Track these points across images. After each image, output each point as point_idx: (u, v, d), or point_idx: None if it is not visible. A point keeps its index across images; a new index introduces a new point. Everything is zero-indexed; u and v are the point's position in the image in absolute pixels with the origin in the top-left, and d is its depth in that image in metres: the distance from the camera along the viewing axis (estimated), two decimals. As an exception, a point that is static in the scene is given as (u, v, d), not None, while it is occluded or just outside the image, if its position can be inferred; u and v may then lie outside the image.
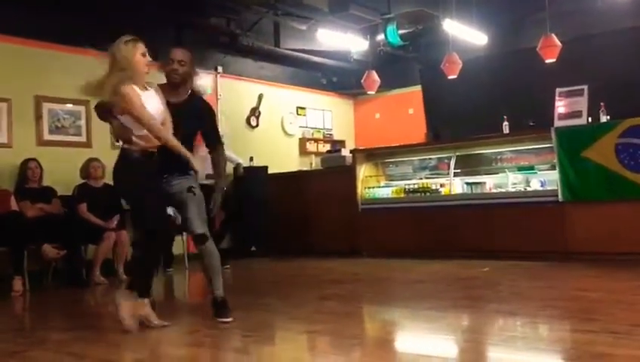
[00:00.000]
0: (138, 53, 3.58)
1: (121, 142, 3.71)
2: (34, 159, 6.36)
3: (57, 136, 6.99)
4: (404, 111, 10.55)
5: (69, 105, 7.10)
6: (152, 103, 3.60)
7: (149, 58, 3.64)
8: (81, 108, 7.18)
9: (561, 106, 6.41)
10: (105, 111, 3.72)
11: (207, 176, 7.49)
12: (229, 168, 8.02)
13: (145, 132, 3.56)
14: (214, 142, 4.07)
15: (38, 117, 6.85)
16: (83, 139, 7.20)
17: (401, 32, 8.85)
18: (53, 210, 6.24)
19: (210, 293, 3.83)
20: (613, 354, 2.64)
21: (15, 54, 6.72)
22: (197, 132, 4.02)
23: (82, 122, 7.20)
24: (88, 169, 6.62)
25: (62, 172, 6.69)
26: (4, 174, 6.35)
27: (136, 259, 3.80)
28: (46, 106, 6.92)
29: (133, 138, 3.57)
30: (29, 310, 5.21)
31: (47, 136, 6.90)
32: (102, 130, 7.29)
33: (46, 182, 6.43)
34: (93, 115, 7.24)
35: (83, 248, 6.42)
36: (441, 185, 7.23)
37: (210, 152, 4.10)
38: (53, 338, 3.63)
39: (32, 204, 6.11)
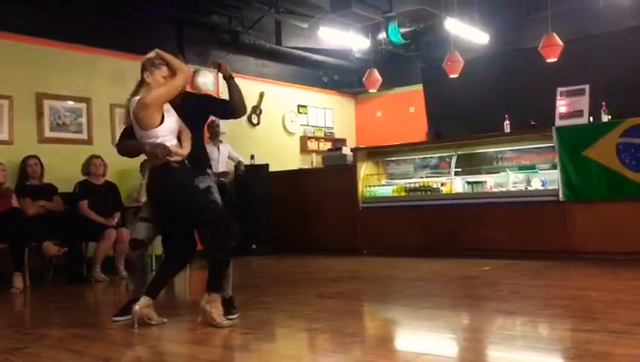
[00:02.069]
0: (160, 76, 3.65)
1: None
2: (34, 156, 6.36)
3: (58, 134, 6.99)
4: (405, 110, 10.55)
5: (70, 103, 7.11)
6: (170, 116, 3.63)
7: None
8: (82, 106, 7.19)
9: (562, 106, 6.40)
10: (130, 150, 3.77)
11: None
12: (230, 166, 8.03)
13: (175, 140, 3.63)
14: (226, 105, 4.05)
15: (40, 114, 6.85)
16: (84, 136, 7.20)
17: (402, 30, 8.84)
18: (54, 207, 6.24)
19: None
20: (613, 353, 2.64)
21: (16, 51, 6.71)
22: (204, 123, 4.10)
23: (83, 119, 7.20)
24: (89, 166, 6.63)
25: (63, 169, 6.69)
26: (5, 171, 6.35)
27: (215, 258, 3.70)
28: (47, 103, 6.92)
29: (172, 150, 3.58)
30: (30, 306, 5.22)
31: (48, 134, 6.90)
32: (103, 128, 7.33)
33: (47, 179, 6.44)
34: (94, 112, 7.36)
35: (84, 245, 6.42)
36: (442, 184, 7.23)
37: (231, 113, 4.07)
38: (54, 335, 3.64)
39: (33, 201, 6.11)
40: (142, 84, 3.66)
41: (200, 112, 4.01)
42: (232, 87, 3.97)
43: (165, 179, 3.61)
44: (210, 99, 4.17)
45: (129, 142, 3.76)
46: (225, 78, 3.99)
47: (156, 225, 3.95)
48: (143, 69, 3.65)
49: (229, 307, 3.73)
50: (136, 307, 3.58)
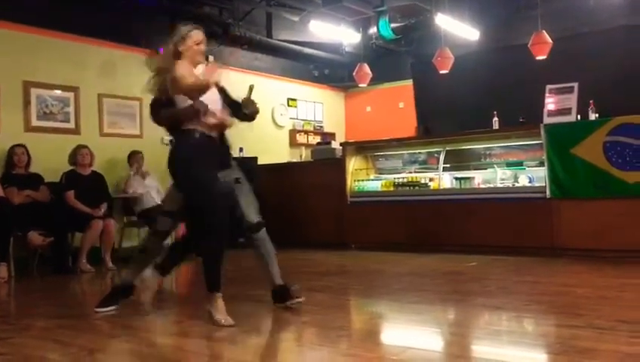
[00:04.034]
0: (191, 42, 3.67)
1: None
2: (21, 145, 6.30)
3: (45, 123, 6.93)
4: (394, 105, 10.57)
5: (58, 92, 7.04)
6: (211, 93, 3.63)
7: (204, 47, 3.69)
8: (70, 95, 7.13)
9: (550, 103, 6.43)
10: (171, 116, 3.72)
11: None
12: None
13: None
14: (237, 106, 4.12)
15: (27, 103, 6.78)
16: (71, 125, 7.14)
17: (393, 25, 8.85)
18: (40, 196, 6.19)
19: (270, 284, 3.90)
20: (597, 349, 2.66)
21: (3, 39, 6.64)
22: None
23: (71, 109, 7.14)
24: (76, 156, 6.58)
25: (50, 158, 6.64)
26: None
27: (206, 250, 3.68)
28: (34, 92, 6.85)
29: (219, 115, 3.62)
30: (14, 297, 5.17)
31: (35, 122, 6.84)
32: (91, 118, 7.28)
33: (33, 169, 6.38)
34: (82, 101, 7.29)
35: (70, 236, 6.38)
36: (431, 180, 7.24)
37: (242, 111, 4.16)
38: (39, 326, 3.61)
39: (19, 190, 6.05)
40: (177, 55, 3.67)
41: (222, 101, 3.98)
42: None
43: (179, 147, 3.59)
44: (229, 95, 4.15)
45: (168, 109, 3.69)
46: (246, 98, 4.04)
47: (178, 215, 3.90)
48: (176, 41, 3.67)
49: (284, 295, 3.79)
50: (148, 274, 3.57)
